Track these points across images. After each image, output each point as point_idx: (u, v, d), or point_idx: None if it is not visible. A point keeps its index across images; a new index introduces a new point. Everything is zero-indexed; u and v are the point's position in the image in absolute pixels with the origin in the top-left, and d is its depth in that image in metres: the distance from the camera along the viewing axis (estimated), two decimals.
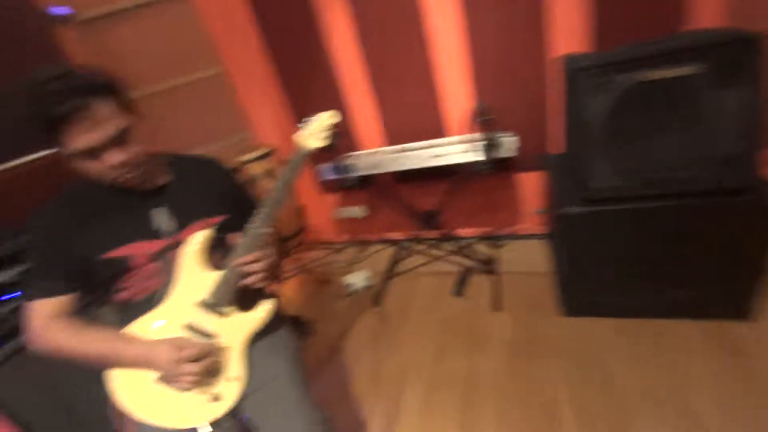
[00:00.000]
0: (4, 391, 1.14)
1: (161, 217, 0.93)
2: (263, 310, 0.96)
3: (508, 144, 1.53)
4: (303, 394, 0.97)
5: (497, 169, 1.61)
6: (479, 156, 1.58)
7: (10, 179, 1.43)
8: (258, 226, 0.93)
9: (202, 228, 0.95)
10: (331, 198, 2.57)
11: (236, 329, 0.94)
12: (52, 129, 0.73)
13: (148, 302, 0.91)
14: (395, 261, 2.29)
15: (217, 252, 0.98)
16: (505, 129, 1.68)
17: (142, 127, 0.84)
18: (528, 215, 2.16)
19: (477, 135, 1.79)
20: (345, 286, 2.23)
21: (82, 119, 0.73)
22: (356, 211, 2.52)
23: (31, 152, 1.48)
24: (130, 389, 0.87)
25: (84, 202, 0.88)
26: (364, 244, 2.65)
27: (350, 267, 2.47)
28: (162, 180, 0.96)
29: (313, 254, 2.72)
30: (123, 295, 0.92)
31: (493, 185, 2.13)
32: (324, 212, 2.63)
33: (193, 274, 0.92)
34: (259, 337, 0.98)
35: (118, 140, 0.79)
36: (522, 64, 1.80)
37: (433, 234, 2.23)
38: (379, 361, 1.75)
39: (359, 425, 1.49)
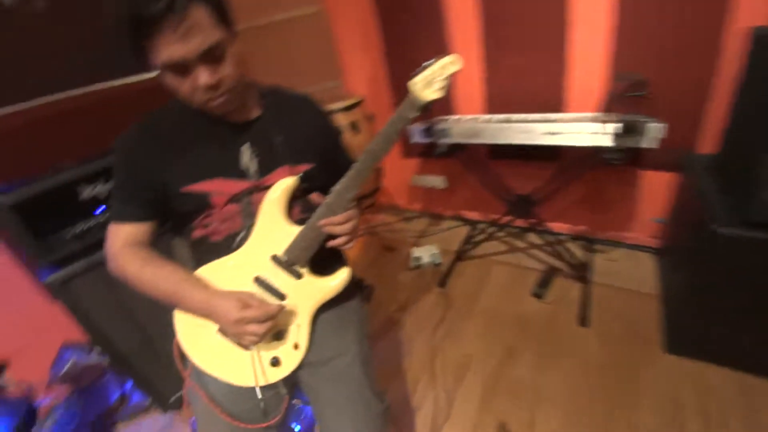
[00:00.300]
0: (83, 298, 1.18)
1: (248, 156, 0.83)
2: (339, 278, 0.85)
3: (654, 132, 1.21)
4: (368, 379, 0.87)
5: (624, 160, 1.30)
6: (608, 141, 1.28)
7: (114, 98, 1.45)
8: (348, 184, 0.80)
9: (288, 174, 0.83)
10: (413, 162, 2.39)
11: (307, 294, 0.84)
12: (141, 34, 0.63)
13: (223, 246, 0.83)
14: (469, 242, 2.10)
15: (296, 205, 0.87)
16: (651, 113, 1.34)
17: (239, 51, 0.72)
18: (642, 222, 1.82)
19: (612, 115, 1.47)
20: (411, 258, 2.10)
21: (176, 24, 0.62)
22: (436, 181, 2.33)
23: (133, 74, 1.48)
24: (192, 333, 0.82)
25: (172, 129, 0.80)
26: (438, 218, 2.47)
27: (419, 239, 2.32)
28: (254, 114, 0.85)
29: (382, 217, 2.61)
30: (199, 233, 0.85)
31: (610, 179, 1.79)
32: (401, 176, 2.47)
33: (272, 225, 0.82)
34: (328, 306, 0.87)
35: (211, 56, 0.68)
36: (688, 33, 1.40)
37: (520, 222, 1.98)
38: (438, 347, 1.62)
39: (407, 409, 1.39)
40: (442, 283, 1.92)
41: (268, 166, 0.83)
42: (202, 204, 0.81)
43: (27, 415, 1.22)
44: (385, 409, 0.88)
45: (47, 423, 1.69)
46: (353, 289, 0.98)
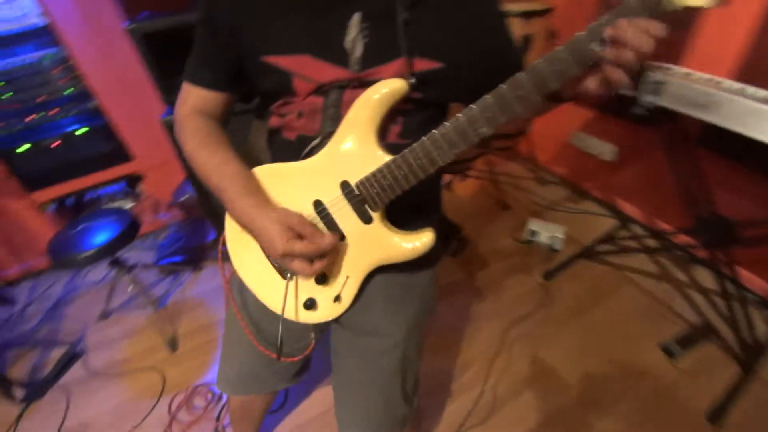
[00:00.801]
0: None
1: (355, 33, 0.56)
2: (418, 242, 0.60)
3: None
4: (402, 376, 0.68)
5: None
6: None
7: None
8: (479, 114, 0.49)
9: (402, 72, 0.55)
10: (580, 114, 1.83)
11: (371, 246, 0.62)
12: None
13: (293, 147, 0.64)
14: (609, 241, 1.61)
15: (398, 122, 0.60)
16: None
17: None
18: None
19: None
20: (525, 228, 1.73)
21: None
22: (604, 148, 1.77)
23: None
24: (239, 236, 0.69)
25: None
26: (582, 194, 1.96)
27: (544, 210, 1.89)
28: None
29: (513, 167, 2.18)
30: (275, 122, 0.66)
31: None
32: (558, 126, 1.94)
33: (356, 141, 0.58)
34: (391, 269, 0.65)
35: None
36: None
37: (699, 250, 1.42)
38: (510, 343, 1.35)
39: (440, 392, 1.22)
40: (550, 275, 1.55)
41: (378, 55, 0.56)
42: (283, 85, 0.60)
43: (131, 226, 1.37)
44: (410, 413, 0.70)
45: (162, 235, 1.98)
46: (431, 258, 0.74)
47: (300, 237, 0.57)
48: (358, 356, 0.68)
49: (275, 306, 0.70)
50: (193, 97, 0.67)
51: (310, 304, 0.68)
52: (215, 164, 0.62)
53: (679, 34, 1.36)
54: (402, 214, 0.61)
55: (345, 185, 0.60)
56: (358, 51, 0.57)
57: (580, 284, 1.53)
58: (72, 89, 1.43)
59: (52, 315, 1.61)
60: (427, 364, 1.26)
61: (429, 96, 0.59)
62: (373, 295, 0.69)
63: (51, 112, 1.44)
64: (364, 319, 0.69)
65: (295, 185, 0.63)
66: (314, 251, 0.56)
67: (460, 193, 2.07)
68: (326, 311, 0.68)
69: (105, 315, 1.58)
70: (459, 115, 0.51)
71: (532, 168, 2.14)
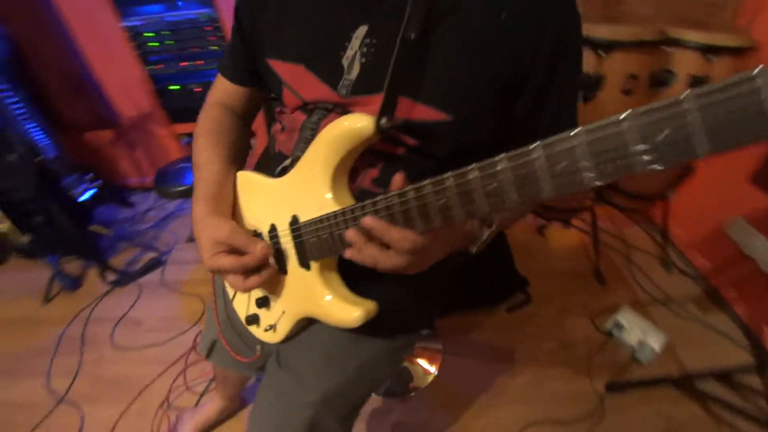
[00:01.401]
0: None
1: (356, 49, 0.47)
2: (347, 314, 0.50)
3: None
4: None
5: None
6: None
7: None
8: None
9: (402, 112, 0.45)
10: (754, 197, 1.33)
11: (304, 293, 0.55)
12: None
13: (273, 160, 0.59)
14: (721, 379, 1.17)
15: (376, 167, 0.50)
16: None
17: None
18: None
19: None
20: (612, 317, 1.37)
21: None
22: None
23: None
24: None
25: None
26: (716, 302, 1.46)
27: (651, 303, 1.47)
28: None
29: (633, 233, 1.75)
30: (275, 127, 0.62)
31: None
32: (715, 203, 1.45)
33: (312, 176, 0.50)
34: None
35: None
36: None
37: None
38: None
39: None
40: (615, 387, 1.21)
41: (371, 81, 0.46)
42: (277, 92, 0.55)
43: None
44: None
45: None
46: (402, 325, 0.62)
47: (234, 250, 0.53)
48: (274, 395, 0.63)
49: (235, 303, 0.69)
50: (220, 88, 0.68)
51: (251, 320, 0.65)
52: (202, 159, 0.62)
53: None
54: (352, 273, 0.52)
55: (294, 220, 0.53)
56: (353, 72, 0.48)
57: (651, 415, 1.15)
58: (216, 47, 1.65)
59: (159, 225, 1.96)
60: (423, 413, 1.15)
61: (427, 147, 0.48)
62: (316, 338, 0.62)
63: (198, 62, 1.69)
64: (296, 360, 0.63)
65: (261, 201, 0.59)
66: (239, 267, 0.51)
67: (553, 242, 1.76)
68: (262, 333, 0.64)
69: (190, 239, 1.86)
70: (411, 188, 0.38)
71: (661, 243, 1.68)
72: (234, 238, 0.52)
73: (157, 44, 1.63)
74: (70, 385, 1.30)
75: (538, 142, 0.28)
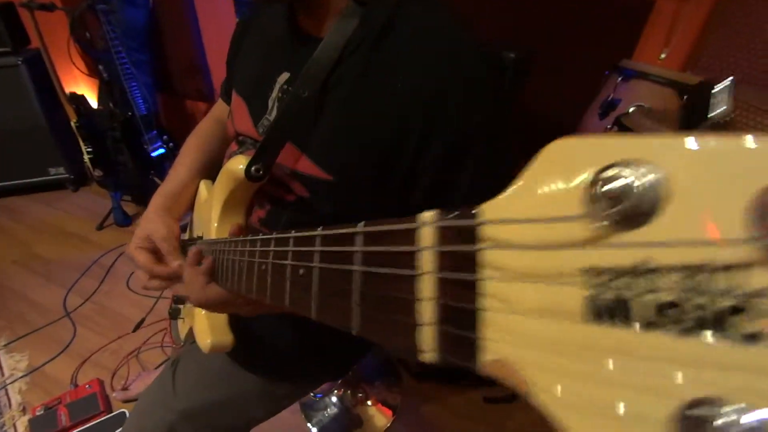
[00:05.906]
0: None
1: (276, 92, 0.49)
2: (203, 338, 0.51)
3: None
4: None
5: None
6: None
7: None
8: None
9: (291, 161, 0.46)
10: None
11: (193, 310, 0.57)
12: None
13: None
14: None
15: (261, 208, 0.51)
16: None
17: None
18: None
19: None
20: None
21: None
22: None
23: None
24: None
25: (268, 17, 0.55)
26: None
27: None
28: (334, 25, 0.43)
29: None
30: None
31: None
32: None
33: (213, 207, 0.52)
34: None
35: None
36: None
37: None
38: None
39: None
40: None
41: (278, 126, 0.47)
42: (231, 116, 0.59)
43: None
44: None
45: None
46: (263, 366, 0.61)
47: (156, 251, 0.57)
48: (157, 389, 0.64)
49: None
50: (217, 106, 0.74)
51: (172, 312, 0.69)
52: (180, 160, 0.68)
53: None
54: None
55: (200, 237, 0.56)
56: (272, 113, 0.50)
57: None
58: None
59: None
60: None
61: (314, 201, 0.48)
62: (202, 354, 0.63)
63: None
64: (182, 368, 0.64)
65: (204, 210, 0.62)
66: (149, 270, 0.55)
67: None
68: (180, 329, 0.67)
69: None
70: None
71: None
72: (162, 244, 0.55)
73: None
74: (79, 306, 1.49)
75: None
